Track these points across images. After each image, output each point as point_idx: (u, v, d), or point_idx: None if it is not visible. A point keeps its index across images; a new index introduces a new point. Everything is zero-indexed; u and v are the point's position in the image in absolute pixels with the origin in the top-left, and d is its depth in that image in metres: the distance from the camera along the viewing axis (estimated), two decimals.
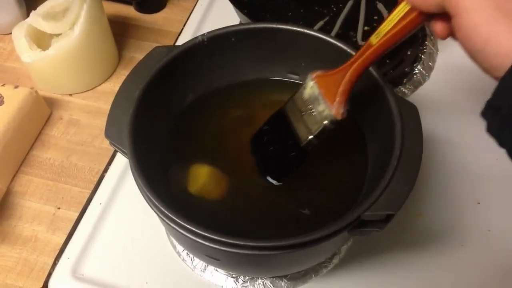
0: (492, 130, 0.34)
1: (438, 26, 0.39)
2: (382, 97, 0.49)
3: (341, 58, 0.53)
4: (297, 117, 0.49)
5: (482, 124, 0.62)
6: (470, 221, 0.60)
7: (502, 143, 0.33)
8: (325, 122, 0.46)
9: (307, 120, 0.47)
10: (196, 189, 0.53)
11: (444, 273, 0.57)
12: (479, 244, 0.59)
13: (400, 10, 0.41)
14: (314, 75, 0.47)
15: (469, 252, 0.58)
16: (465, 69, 0.74)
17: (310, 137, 0.47)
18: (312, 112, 0.47)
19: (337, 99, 0.45)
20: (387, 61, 0.73)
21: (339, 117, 0.45)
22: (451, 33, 0.38)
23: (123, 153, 0.48)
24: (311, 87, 0.47)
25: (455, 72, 0.73)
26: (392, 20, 0.41)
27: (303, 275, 0.57)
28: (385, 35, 0.42)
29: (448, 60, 0.74)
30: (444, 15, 0.37)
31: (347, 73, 0.45)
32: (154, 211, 0.45)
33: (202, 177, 0.54)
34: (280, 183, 0.52)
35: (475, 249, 0.59)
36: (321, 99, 0.46)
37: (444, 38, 0.39)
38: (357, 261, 0.58)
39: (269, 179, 0.53)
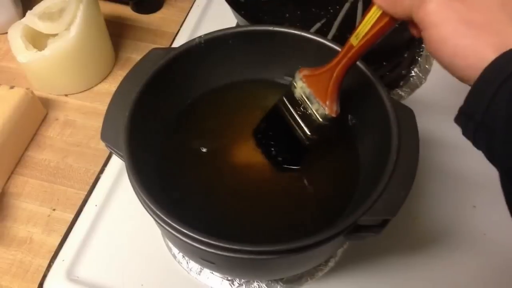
0: (467, 134, 0.35)
1: (413, 30, 0.40)
2: (378, 101, 0.49)
3: None
4: (292, 115, 0.50)
5: None
6: (466, 224, 0.60)
7: (477, 146, 0.34)
8: (321, 120, 0.48)
9: (304, 118, 0.50)
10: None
11: (439, 276, 0.57)
12: (475, 248, 0.59)
13: (374, 12, 0.42)
14: (301, 74, 0.49)
15: (465, 255, 0.58)
16: None
17: (309, 134, 0.50)
18: (307, 110, 0.49)
19: (329, 98, 0.47)
20: (384, 63, 0.73)
21: (334, 115, 0.47)
22: None
23: (119, 156, 0.48)
24: (301, 87, 0.49)
25: None
26: (368, 22, 0.42)
27: (299, 278, 0.57)
28: (363, 37, 0.43)
29: None
30: None
31: (334, 73, 0.47)
32: (150, 215, 0.44)
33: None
34: (298, 167, 0.53)
35: (471, 253, 0.59)
36: (313, 99, 0.48)
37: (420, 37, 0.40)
38: (353, 264, 0.58)
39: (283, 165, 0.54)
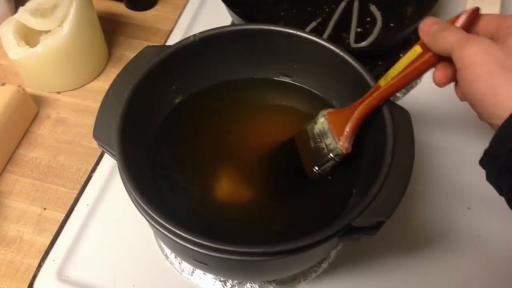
0: (491, 178, 0.36)
1: (438, 75, 0.42)
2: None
3: (333, 60, 0.53)
4: (305, 148, 0.52)
5: (473, 128, 0.62)
6: (460, 226, 0.60)
7: (500, 191, 0.35)
8: (331, 155, 0.49)
9: (315, 152, 0.51)
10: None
11: (433, 278, 0.57)
12: (469, 250, 0.59)
13: (408, 57, 0.44)
14: (326, 112, 0.50)
15: (459, 257, 0.58)
16: None
17: (316, 168, 0.51)
18: (320, 145, 0.50)
19: (344, 134, 0.48)
20: (379, 63, 0.72)
21: (344, 151, 0.48)
22: (449, 82, 0.42)
23: (112, 154, 0.47)
24: (321, 122, 0.50)
25: None
26: (398, 67, 0.45)
27: (292, 280, 0.56)
28: (392, 79, 0.45)
29: None
30: (446, 64, 0.41)
31: (356, 111, 0.48)
32: (142, 215, 0.44)
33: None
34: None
35: (465, 254, 0.58)
36: (329, 134, 0.49)
37: (441, 86, 0.43)
38: (346, 265, 0.58)
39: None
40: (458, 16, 0.42)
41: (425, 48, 0.43)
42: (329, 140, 0.49)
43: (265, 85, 0.60)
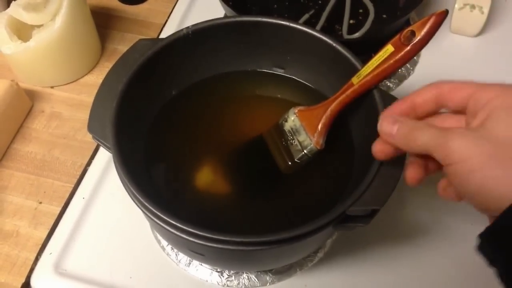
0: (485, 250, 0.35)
1: (411, 174, 0.41)
2: (367, 92, 0.49)
3: (326, 51, 0.53)
4: (277, 146, 0.52)
5: None
6: (453, 215, 0.61)
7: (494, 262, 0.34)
8: (305, 151, 0.50)
9: (288, 148, 0.51)
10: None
11: (427, 266, 0.58)
12: (462, 238, 0.59)
13: (380, 56, 0.45)
14: (296, 109, 0.51)
15: (452, 246, 0.59)
16: (449, 64, 0.74)
17: (290, 163, 0.51)
18: (293, 142, 0.51)
19: (318, 130, 0.49)
20: (372, 54, 0.72)
21: (318, 147, 0.49)
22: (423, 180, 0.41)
23: (107, 147, 0.47)
24: (293, 120, 0.51)
25: (439, 66, 0.73)
26: (371, 66, 0.46)
27: (288, 269, 0.57)
28: (364, 77, 0.46)
29: (432, 55, 0.75)
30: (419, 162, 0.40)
31: (329, 108, 0.49)
32: (138, 206, 0.44)
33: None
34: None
35: (458, 243, 0.59)
36: (302, 131, 0.50)
37: (415, 186, 0.41)
38: (342, 254, 0.58)
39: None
40: (428, 18, 0.42)
41: (397, 47, 0.44)
42: (302, 137, 0.50)
43: (258, 78, 0.61)
